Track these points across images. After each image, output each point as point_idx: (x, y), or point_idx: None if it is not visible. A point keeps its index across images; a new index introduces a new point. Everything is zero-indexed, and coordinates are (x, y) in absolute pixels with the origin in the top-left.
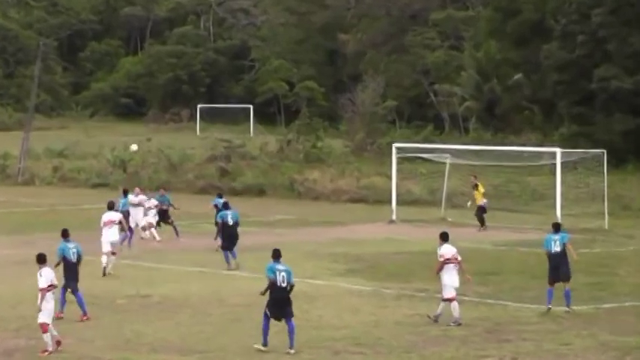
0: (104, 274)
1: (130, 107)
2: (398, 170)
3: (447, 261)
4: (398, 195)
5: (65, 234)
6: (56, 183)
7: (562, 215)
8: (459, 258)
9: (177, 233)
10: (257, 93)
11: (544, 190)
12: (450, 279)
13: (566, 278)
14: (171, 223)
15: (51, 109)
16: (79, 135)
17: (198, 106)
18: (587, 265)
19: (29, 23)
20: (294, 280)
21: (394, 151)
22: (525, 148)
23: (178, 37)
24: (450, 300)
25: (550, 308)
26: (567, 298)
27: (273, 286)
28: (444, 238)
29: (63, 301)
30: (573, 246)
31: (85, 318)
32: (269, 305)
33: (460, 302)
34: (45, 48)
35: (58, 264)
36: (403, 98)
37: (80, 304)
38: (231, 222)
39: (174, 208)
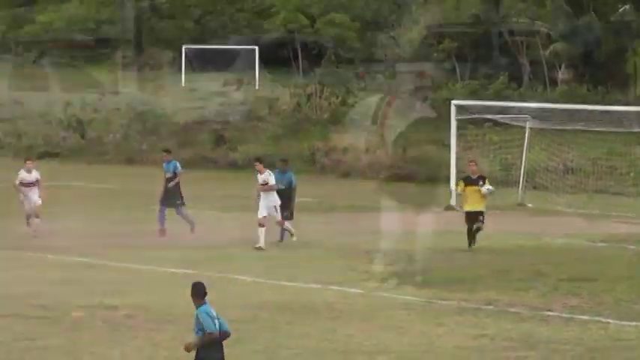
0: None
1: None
2: (459, 137)
3: None
4: (459, 171)
5: None
6: None
7: None
8: None
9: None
10: (263, 29)
11: None
12: None
13: None
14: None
15: None
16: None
17: (184, 47)
18: None
19: None
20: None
21: (453, 110)
22: (633, 108)
23: None
24: None
25: None
26: None
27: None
28: None
29: None
30: None
31: None
32: None
33: (543, 318)
34: None
35: None
36: (465, 37)
37: None
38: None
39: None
